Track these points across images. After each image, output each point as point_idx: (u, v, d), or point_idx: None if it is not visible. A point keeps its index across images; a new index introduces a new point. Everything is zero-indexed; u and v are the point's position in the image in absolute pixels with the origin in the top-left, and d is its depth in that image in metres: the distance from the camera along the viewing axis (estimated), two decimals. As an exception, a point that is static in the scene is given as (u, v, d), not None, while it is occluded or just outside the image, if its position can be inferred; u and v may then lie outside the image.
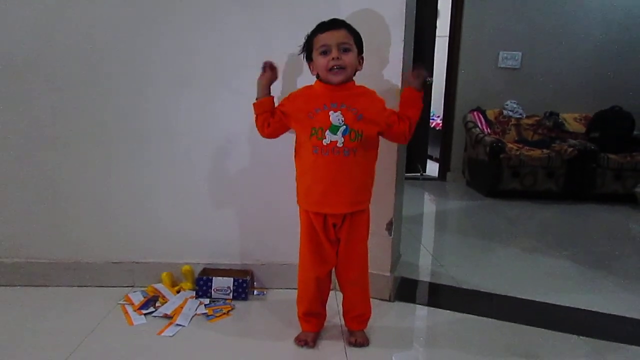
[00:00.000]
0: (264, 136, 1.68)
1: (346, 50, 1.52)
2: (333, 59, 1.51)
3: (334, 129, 1.52)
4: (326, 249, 1.64)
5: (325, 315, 1.77)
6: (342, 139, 1.52)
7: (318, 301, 1.71)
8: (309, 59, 1.61)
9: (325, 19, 1.59)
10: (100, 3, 1.97)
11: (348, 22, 1.59)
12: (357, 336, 1.72)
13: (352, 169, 1.56)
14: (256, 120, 1.67)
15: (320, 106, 1.54)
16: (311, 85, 1.63)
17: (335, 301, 1.92)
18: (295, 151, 1.65)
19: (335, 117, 1.52)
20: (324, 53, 1.52)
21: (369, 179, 1.65)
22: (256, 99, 1.66)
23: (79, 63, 2.00)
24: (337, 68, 1.52)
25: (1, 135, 2.04)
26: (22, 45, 1.98)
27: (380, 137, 1.66)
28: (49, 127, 2.04)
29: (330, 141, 1.53)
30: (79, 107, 2.03)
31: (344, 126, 1.52)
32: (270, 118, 1.64)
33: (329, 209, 1.59)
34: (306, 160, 1.59)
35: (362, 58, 1.60)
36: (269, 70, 1.67)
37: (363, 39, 1.59)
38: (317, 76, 1.60)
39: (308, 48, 1.60)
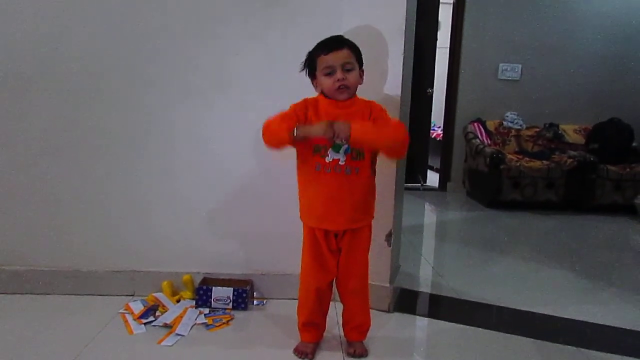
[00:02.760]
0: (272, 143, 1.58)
1: (349, 70, 1.54)
2: (338, 80, 1.53)
3: (337, 148, 1.54)
4: (328, 259, 1.65)
5: (325, 326, 1.78)
6: (344, 157, 1.55)
7: (318, 311, 1.71)
8: (312, 75, 1.61)
9: (327, 31, 1.60)
10: (103, 15, 1.99)
11: (348, 35, 1.61)
12: (356, 347, 1.72)
13: (353, 187, 1.57)
14: (278, 133, 1.51)
15: None
16: (315, 99, 1.62)
17: (334, 312, 1.92)
18: (297, 167, 1.65)
19: None
20: (329, 74, 1.54)
21: (371, 197, 1.66)
22: (294, 131, 1.48)
23: (82, 74, 2.02)
24: (342, 87, 1.54)
25: (4, 144, 2.05)
26: (26, 57, 2.00)
27: None
28: (51, 137, 2.06)
29: (333, 159, 1.55)
30: (81, 117, 2.05)
31: (346, 145, 1.54)
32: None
33: (330, 226, 1.61)
34: (308, 176, 1.60)
35: (363, 71, 1.62)
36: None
37: (363, 52, 1.60)
38: (322, 92, 1.61)
39: (310, 65, 1.61)
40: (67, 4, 1.97)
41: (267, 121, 1.55)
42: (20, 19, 1.97)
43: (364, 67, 1.62)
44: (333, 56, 1.53)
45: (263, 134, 1.55)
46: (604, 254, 3.28)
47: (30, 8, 1.97)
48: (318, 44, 1.59)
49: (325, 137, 1.46)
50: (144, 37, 2.02)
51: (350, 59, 1.54)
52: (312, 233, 1.63)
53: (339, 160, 1.55)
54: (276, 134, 1.51)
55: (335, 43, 1.56)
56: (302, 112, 1.58)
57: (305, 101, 1.61)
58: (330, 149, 1.54)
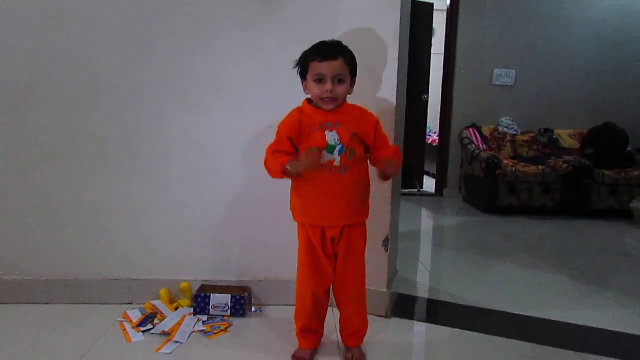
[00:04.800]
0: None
1: (340, 81, 1.53)
2: (327, 91, 1.51)
3: (331, 149, 1.54)
4: (324, 264, 1.65)
5: (323, 332, 1.78)
6: (339, 157, 1.54)
7: (315, 317, 1.72)
8: (303, 77, 1.60)
9: (323, 38, 1.60)
10: (100, 23, 2.00)
11: (344, 41, 1.60)
12: (354, 353, 1.72)
13: (348, 185, 1.58)
14: (275, 173, 1.58)
15: (317, 125, 1.56)
16: (301, 108, 1.62)
17: (332, 318, 1.93)
18: None
19: (331, 137, 1.55)
20: (319, 81, 1.53)
21: (366, 192, 1.67)
22: (286, 168, 1.53)
23: (79, 82, 2.03)
24: (329, 99, 1.53)
25: (1, 152, 2.06)
26: (24, 65, 2.01)
27: None
28: (49, 146, 2.06)
29: (327, 160, 1.54)
30: (79, 126, 2.06)
31: (340, 145, 1.55)
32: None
33: (327, 222, 1.61)
34: (303, 176, 1.58)
35: (355, 81, 1.61)
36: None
37: (359, 58, 1.61)
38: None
39: (303, 67, 1.59)
40: (65, 12, 1.99)
41: (265, 156, 1.61)
42: (17, 26, 1.98)
43: (358, 74, 1.62)
44: (326, 65, 1.51)
45: (265, 168, 1.61)
46: (601, 259, 3.29)
47: (28, 16, 1.98)
48: (314, 46, 1.57)
49: (314, 166, 1.50)
50: (141, 44, 2.03)
51: (342, 71, 1.53)
52: (307, 237, 1.63)
53: (334, 161, 1.55)
54: (274, 173, 1.58)
55: (330, 52, 1.53)
56: (297, 126, 1.57)
57: (292, 116, 1.61)
58: (324, 150, 1.54)
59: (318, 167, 1.51)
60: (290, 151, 1.58)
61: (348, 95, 1.61)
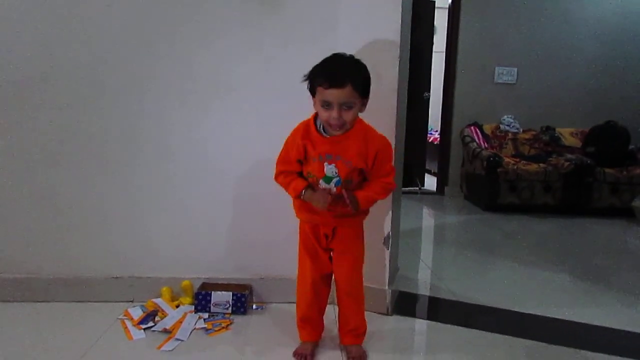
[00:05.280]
0: None
1: (348, 108, 1.48)
2: (334, 118, 1.47)
3: (327, 180, 1.57)
4: (319, 252, 1.69)
5: (323, 326, 1.79)
6: (334, 188, 1.57)
7: (314, 306, 1.73)
8: (312, 93, 1.55)
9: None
10: (102, 23, 2.01)
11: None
12: (353, 351, 1.73)
13: (344, 201, 1.57)
14: (286, 190, 1.66)
15: (316, 156, 1.56)
16: (307, 129, 1.59)
17: (334, 315, 1.93)
18: None
19: (329, 170, 1.55)
20: (326, 105, 1.48)
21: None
22: (301, 194, 1.59)
23: (80, 82, 2.03)
24: (336, 125, 1.50)
25: (3, 152, 2.06)
26: (25, 65, 2.01)
27: None
28: (50, 145, 2.06)
29: (323, 188, 1.58)
30: (80, 125, 2.06)
31: (337, 178, 1.56)
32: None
33: (320, 221, 1.65)
34: None
35: (367, 99, 1.56)
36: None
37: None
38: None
39: (311, 86, 1.54)
40: (65, 12, 1.99)
41: (276, 172, 1.66)
42: (18, 27, 1.98)
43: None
44: (332, 93, 1.45)
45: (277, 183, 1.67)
46: (602, 257, 3.30)
47: (29, 16, 1.98)
48: (321, 69, 1.51)
49: (325, 209, 1.55)
50: (142, 44, 2.03)
51: (350, 98, 1.47)
52: (305, 229, 1.68)
53: (329, 190, 1.57)
54: (285, 190, 1.65)
55: (337, 79, 1.45)
56: (301, 150, 1.57)
57: (297, 133, 1.59)
58: (321, 180, 1.57)
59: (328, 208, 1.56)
60: (299, 170, 1.63)
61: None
